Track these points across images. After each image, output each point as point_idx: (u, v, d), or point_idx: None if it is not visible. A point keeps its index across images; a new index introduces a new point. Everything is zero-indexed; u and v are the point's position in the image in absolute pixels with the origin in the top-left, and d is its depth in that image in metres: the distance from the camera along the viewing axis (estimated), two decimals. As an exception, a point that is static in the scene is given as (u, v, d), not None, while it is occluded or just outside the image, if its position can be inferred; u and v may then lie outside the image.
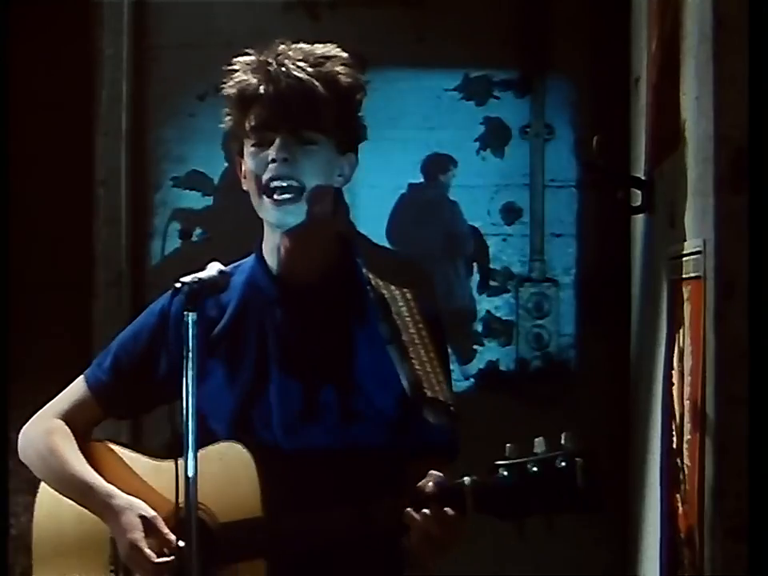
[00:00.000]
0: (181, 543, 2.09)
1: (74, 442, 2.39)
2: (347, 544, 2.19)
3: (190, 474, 2.02)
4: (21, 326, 3.42)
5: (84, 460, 2.37)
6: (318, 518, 2.19)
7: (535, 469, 2.07)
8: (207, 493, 2.19)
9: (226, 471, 2.25)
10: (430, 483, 2.13)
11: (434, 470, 2.19)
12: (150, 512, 2.26)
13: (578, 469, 2.05)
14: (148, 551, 2.23)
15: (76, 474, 2.35)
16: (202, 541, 2.14)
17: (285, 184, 2.26)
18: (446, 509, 2.10)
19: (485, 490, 2.10)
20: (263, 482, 2.23)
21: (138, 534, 2.25)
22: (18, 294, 3.42)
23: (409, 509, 2.12)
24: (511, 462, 2.09)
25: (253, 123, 2.29)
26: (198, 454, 2.10)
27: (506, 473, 2.08)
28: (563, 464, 2.06)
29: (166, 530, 2.24)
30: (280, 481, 2.24)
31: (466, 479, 2.12)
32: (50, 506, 2.40)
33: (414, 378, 2.19)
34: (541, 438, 2.09)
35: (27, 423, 2.46)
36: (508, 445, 2.10)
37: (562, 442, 2.08)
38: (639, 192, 2.91)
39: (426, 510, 2.11)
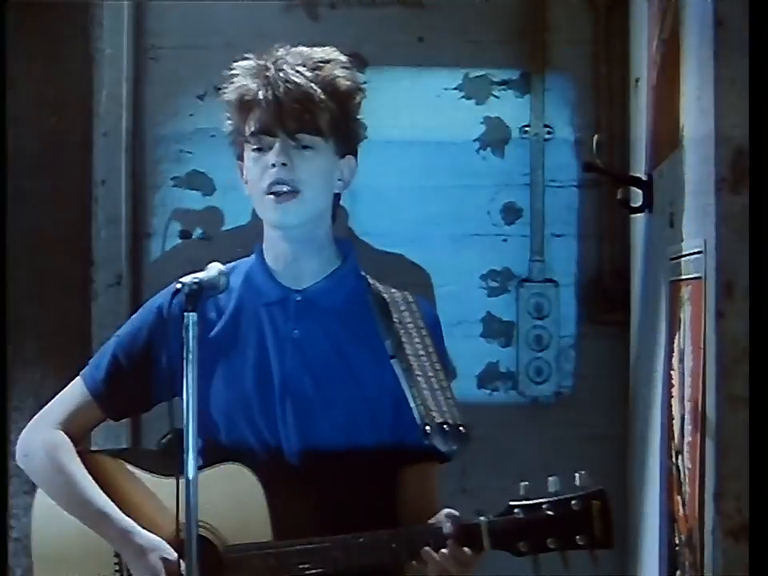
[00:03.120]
0: None
1: (78, 458, 2.37)
2: (359, 571, 2.20)
3: (191, 475, 2.02)
4: (20, 326, 3.41)
5: (95, 483, 2.34)
6: (332, 545, 2.19)
7: (551, 512, 2.08)
8: (214, 514, 2.19)
9: (232, 492, 2.24)
10: (448, 523, 2.14)
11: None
12: (173, 554, 2.22)
13: (593, 512, 2.06)
14: None
15: (90, 501, 2.32)
16: (210, 562, 2.14)
17: (285, 189, 2.27)
18: (464, 548, 2.12)
19: (501, 530, 2.11)
20: (271, 502, 2.22)
21: None
22: (17, 294, 3.41)
23: (427, 547, 2.13)
24: (526, 503, 2.10)
25: (252, 128, 2.29)
26: (204, 475, 2.10)
27: (521, 515, 2.10)
28: (579, 507, 2.07)
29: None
30: (285, 493, 2.24)
31: (482, 519, 2.13)
32: (48, 512, 2.38)
33: (422, 402, 2.19)
34: (555, 477, 2.10)
35: (26, 429, 2.45)
36: (522, 484, 2.12)
37: (577, 482, 2.09)
38: (639, 192, 2.91)
39: (444, 550, 2.13)
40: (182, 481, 2.01)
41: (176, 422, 2.11)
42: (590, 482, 2.09)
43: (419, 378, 2.23)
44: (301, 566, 2.18)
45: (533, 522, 2.09)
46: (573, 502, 2.08)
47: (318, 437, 2.30)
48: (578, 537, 2.07)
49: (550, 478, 2.10)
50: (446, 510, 2.18)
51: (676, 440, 2.40)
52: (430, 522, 2.18)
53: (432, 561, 2.14)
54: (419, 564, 2.16)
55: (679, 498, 2.35)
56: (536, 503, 2.10)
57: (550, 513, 2.08)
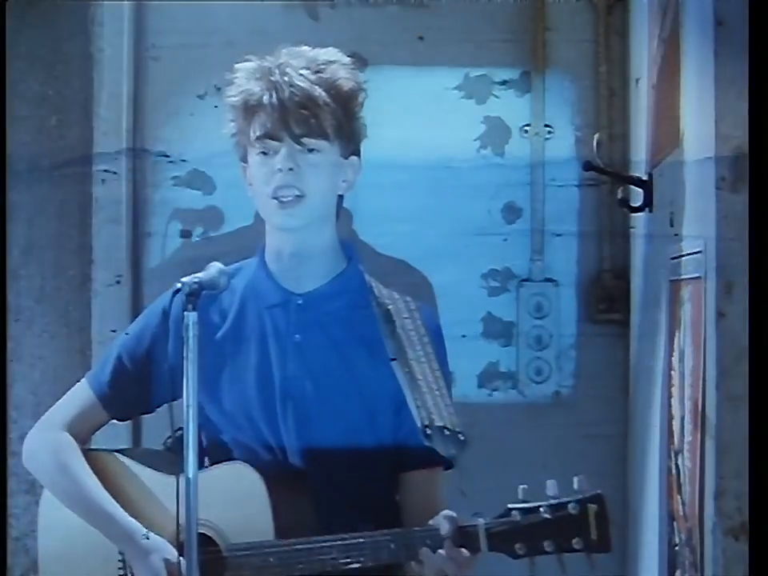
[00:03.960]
0: None
1: (83, 459, 2.38)
2: (359, 570, 2.20)
3: (191, 474, 2.02)
4: (20, 326, 3.42)
5: (100, 484, 2.34)
6: (331, 545, 2.19)
7: (548, 516, 2.08)
8: (217, 513, 2.20)
9: (235, 491, 2.24)
10: (445, 524, 2.15)
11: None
12: (175, 554, 2.21)
13: (590, 516, 2.07)
14: None
15: (95, 501, 2.33)
16: (212, 560, 2.15)
17: (291, 193, 2.27)
18: (461, 549, 2.13)
19: (498, 532, 2.12)
20: (273, 501, 2.23)
21: None
22: (17, 293, 3.41)
23: (425, 548, 2.14)
24: (524, 506, 2.11)
25: (258, 133, 2.30)
26: (207, 474, 2.10)
27: (519, 517, 2.10)
28: (576, 511, 2.07)
29: None
30: (288, 495, 2.24)
31: (480, 520, 2.14)
32: (53, 512, 2.39)
33: (423, 405, 2.20)
34: (553, 480, 2.10)
35: (32, 430, 2.46)
36: (520, 487, 2.12)
37: (575, 486, 2.09)
38: (639, 191, 2.91)
39: (441, 551, 2.13)
40: (182, 480, 2.01)
41: (176, 424, 2.11)
42: (588, 485, 2.09)
43: (420, 383, 2.24)
44: (300, 566, 2.19)
45: (530, 525, 2.09)
46: (570, 505, 2.08)
47: (319, 441, 2.30)
48: (574, 540, 2.07)
49: (548, 482, 2.11)
50: (445, 512, 2.18)
51: (676, 440, 2.40)
52: (429, 523, 2.18)
53: (429, 561, 2.14)
54: (417, 565, 2.16)
55: (679, 497, 2.35)
56: (533, 506, 2.10)
57: (547, 516, 2.08)
